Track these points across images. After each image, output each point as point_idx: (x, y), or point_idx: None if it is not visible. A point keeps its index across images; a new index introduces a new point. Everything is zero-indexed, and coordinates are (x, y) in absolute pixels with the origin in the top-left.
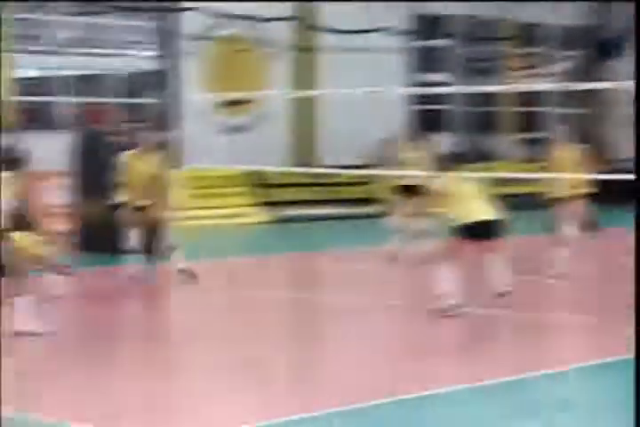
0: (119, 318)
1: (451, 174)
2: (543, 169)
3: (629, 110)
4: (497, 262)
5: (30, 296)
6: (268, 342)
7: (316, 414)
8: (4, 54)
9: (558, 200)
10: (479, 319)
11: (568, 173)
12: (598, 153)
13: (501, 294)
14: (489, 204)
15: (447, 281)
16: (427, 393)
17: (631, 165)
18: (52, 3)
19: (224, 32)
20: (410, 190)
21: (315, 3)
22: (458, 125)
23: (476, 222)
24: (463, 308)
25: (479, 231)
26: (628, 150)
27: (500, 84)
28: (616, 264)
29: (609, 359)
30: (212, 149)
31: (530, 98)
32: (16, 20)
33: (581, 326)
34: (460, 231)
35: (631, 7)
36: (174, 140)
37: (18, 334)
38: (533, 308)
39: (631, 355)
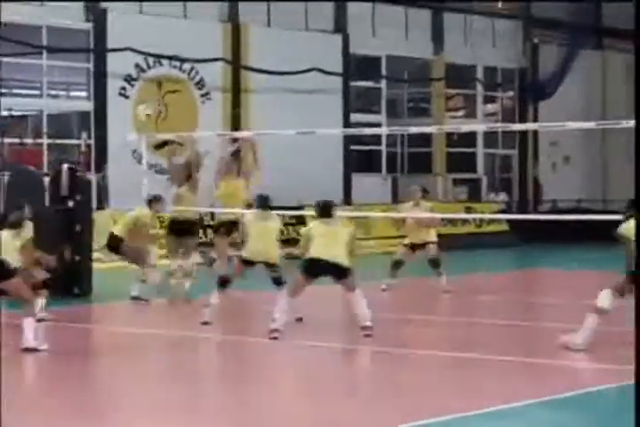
0: None
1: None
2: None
3: (555, 153)
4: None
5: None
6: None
7: None
8: None
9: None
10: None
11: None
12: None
13: (365, 328)
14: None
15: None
16: None
17: (558, 205)
18: None
19: (155, 73)
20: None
21: (247, 43)
22: (390, 166)
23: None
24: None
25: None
26: (554, 191)
27: (431, 124)
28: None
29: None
30: (139, 190)
31: (461, 139)
32: None
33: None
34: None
35: (561, 50)
36: (101, 181)
37: (26, 350)
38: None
39: None
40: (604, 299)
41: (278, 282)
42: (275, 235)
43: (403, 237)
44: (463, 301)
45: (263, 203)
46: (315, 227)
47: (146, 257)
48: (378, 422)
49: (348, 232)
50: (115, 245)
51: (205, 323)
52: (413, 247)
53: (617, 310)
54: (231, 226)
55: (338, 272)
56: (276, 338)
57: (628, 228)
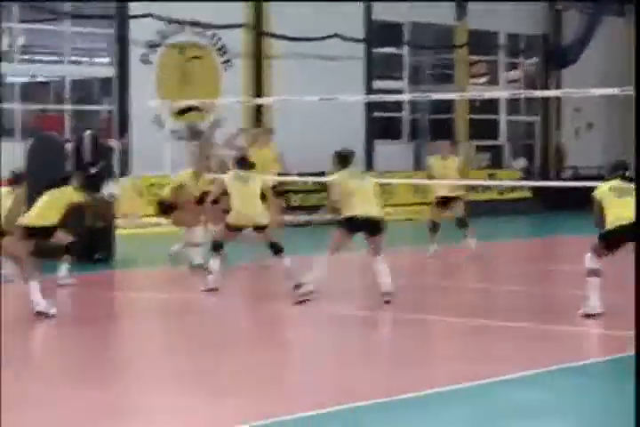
0: None
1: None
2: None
3: (578, 119)
4: (378, 264)
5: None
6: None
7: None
8: None
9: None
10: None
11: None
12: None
13: (386, 294)
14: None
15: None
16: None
17: (579, 171)
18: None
19: (177, 39)
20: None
21: (269, 9)
22: (412, 133)
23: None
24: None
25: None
26: (575, 158)
27: (453, 91)
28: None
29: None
30: (161, 156)
31: (484, 105)
32: None
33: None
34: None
35: (583, 17)
36: (123, 147)
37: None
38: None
39: None
40: (589, 261)
41: (276, 249)
42: (257, 195)
43: (424, 204)
44: (484, 267)
45: (241, 162)
46: (344, 180)
47: (195, 220)
48: (392, 388)
49: (374, 184)
50: (164, 208)
51: (210, 289)
52: (441, 203)
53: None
54: None
55: (375, 228)
56: (305, 301)
57: (600, 191)
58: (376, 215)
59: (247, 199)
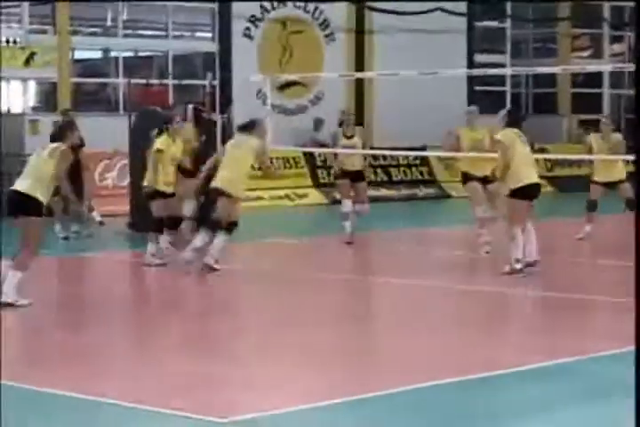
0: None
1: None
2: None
3: None
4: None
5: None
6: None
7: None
8: (62, 36)
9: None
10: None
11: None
12: None
13: (531, 264)
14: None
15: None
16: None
17: None
18: None
19: (279, 13)
20: None
21: None
22: (515, 107)
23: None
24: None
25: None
26: None
27: (556, 65)
28: None
29: None
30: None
31: (587, 79)
32: (73, 1)
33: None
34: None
35: None
36: (228, 120)
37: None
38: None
39: None
40: None
41: (215, 226)
42: (239, 160)
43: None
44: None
45: (242, 127)
46: (514, 140)
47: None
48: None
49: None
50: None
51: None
52: (606, 185)
53: None
54: None
55: (538, 192)
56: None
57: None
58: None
59: (228, 162)
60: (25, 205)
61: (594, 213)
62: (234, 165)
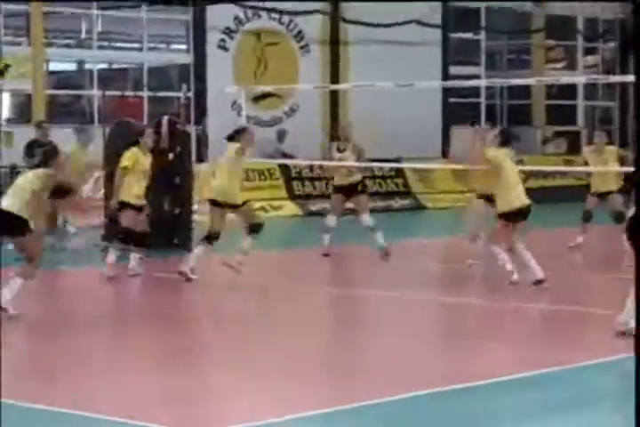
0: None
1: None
2: (570, 163)
3: None
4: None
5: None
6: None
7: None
8: (36, 48)
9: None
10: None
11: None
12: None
13: (540, 281)
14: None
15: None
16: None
17: None
18: None
19: (253, 25)
20: None
21: None
22: (489, 118)
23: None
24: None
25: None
26: None
27: (531, 76)
28: None
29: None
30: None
31: (561, 90)
32: (48, 13)
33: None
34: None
35: None
36: (202, 132)
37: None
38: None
39: None
40: None
41: (253, 229)
42: (233, 170)
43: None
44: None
45: (229, 136)
46: (504, 158)
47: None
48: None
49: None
50: None
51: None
52: (599, 196)
53: None
54: None
55: (528, 214)
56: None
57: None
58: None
59: (219, 173)
60: (9, 225)
61: (587, 224)
62: (225, 173)
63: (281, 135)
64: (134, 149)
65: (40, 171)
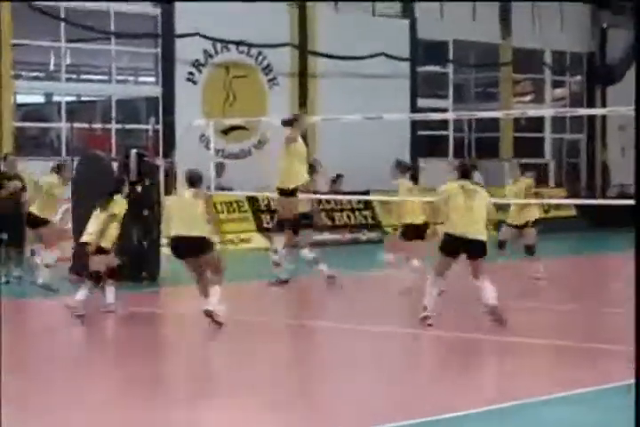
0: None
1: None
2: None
3: (623, 137)
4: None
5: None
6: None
7: None
8: (4, 80)
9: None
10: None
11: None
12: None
13: (492, 312)
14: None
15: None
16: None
17: (626, 189)
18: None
19: (222, 58)
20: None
21: (314, 28)
22: (457, 151)
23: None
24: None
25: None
26: (622, 176)
27: (498, 109)
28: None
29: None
30: (206, 175)
31: (529, 123)
32: (16, 45)
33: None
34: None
35: (629, 35)
36: (171, 165)
37: None
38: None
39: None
40: None
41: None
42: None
43: None
44: (526, 285)
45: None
46: (455, 192)
47: None
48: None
49: (488, 202)
50: None
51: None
52: (517, 228)
53: None
54: None
55: (477, 250)
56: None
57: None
58: (482, 239)
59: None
60: None
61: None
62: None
63: (219, 169)
64: (119, 196)
65: None
